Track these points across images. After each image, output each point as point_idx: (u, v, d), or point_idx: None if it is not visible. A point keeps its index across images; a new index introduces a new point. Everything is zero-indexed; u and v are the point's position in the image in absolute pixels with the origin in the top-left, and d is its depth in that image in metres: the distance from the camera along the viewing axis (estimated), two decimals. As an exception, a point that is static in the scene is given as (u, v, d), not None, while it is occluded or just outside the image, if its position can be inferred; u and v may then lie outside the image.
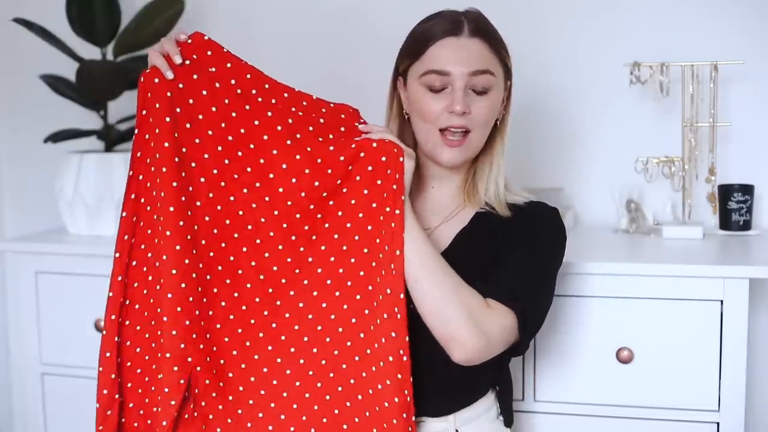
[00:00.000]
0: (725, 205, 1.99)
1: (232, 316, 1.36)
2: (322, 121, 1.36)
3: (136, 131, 1.32)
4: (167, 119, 1.29)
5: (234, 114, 1.32)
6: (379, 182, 1.31)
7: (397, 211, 1.30)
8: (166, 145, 1.29)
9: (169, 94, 1.29)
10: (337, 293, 1.34)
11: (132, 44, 2.22)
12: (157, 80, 1.29)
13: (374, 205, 1.32)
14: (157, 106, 1.29)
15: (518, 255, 1.37)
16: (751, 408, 1.85)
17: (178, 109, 1.30)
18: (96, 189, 2.11)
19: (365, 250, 1.33)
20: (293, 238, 1.35)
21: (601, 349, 1.70)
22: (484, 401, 1.44)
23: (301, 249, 1.35)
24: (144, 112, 1.31)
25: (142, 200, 1.33)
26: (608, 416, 1.72)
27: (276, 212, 1.34)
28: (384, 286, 1.30)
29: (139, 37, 2.21)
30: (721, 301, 1.64)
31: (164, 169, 1.29)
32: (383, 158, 1.31)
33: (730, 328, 1.63)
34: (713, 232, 2.00)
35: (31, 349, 2.07)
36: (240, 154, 1.33)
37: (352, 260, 1.34)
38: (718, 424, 1.66)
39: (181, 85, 1.30)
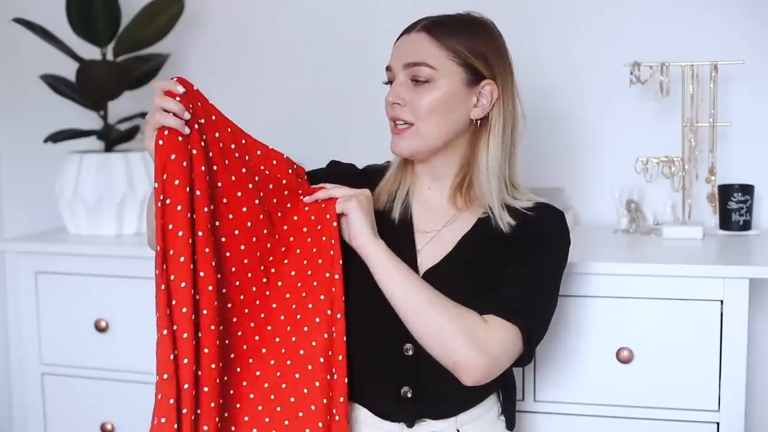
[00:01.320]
0: (725, 205, 1.99)
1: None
2: (285, 182, 1.37)
3: (162, 198, 1.22)
4: (198, 169, 1.27)
5: (215, 167, 1.30)
6: (314, 250, 1.36)
7: (336, 276, 1.33)
8: (198, 193, 1.26)
9: (195, 151, 1.26)
10: (272, 362, 1.36)
11: (132, 44, 2.22)
12: (180, 138, 1.24)
13: (309, 272, 1.36)
14: (185, 164, 1.24)
15: (520, 267, 1.36)
16: (751, 408, 1.85)
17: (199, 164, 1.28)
18: (96, 189, 2.11)
19: (298, 316, 1.36)
20: (258, 303, 1.37)
21: (601, 349, 1.70)
22: (485, 402, 1.44)
23: (251, 324, 1.37)
24: (165, 176, 1.23)
25: (182, 284, 1.25)
26: (608, 416, 1.72)
27: (233, 269, 1.33)
28: (324, 351, 1.32)
29: (139, 37, 2.21)
30: (721, 301, 1.64)
31: (218, 223, 1.30)
32: (318, 227, 1.36)
33: (730, 328, 1.63)
34: (713, 232, 2.00)
35: (31, 349, 2.07)
36: (212, 207, 1.29)
37: (288, 328, 1.36)
38: (718, 424, 1.66)
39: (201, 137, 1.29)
